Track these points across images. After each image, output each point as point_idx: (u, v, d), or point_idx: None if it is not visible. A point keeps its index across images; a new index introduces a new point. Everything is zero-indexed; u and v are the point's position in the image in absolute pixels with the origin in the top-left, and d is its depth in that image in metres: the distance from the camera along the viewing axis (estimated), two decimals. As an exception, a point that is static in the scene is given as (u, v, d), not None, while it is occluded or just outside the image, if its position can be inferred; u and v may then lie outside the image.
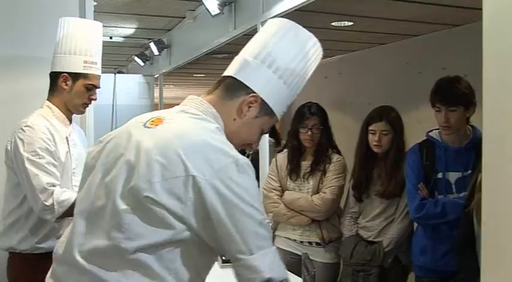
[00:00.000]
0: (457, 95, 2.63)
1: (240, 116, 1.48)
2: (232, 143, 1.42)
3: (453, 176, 2.70)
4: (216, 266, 1.53)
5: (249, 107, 1.47)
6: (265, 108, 1.49)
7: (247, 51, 1.51)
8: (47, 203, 2.24)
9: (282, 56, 1.48)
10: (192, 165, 1.28)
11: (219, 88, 1.51)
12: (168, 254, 1.32)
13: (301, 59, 1.50)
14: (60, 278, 1.39)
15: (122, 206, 1.30)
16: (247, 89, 1.47)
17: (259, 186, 4.26)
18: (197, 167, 1.28)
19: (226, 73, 1.53)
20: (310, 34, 1.54)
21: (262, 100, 1.47)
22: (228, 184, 1.29)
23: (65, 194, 2.27)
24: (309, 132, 3.19)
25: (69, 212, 2.25)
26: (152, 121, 1.42)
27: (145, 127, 1.41)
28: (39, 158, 2.28)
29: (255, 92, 1.47)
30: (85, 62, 2.45)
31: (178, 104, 1.54)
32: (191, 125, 1.41)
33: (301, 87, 1.55)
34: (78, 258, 1.34)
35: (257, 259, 1.30)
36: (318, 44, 1.54)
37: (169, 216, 1.28)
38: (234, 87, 1.48)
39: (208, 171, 1.28)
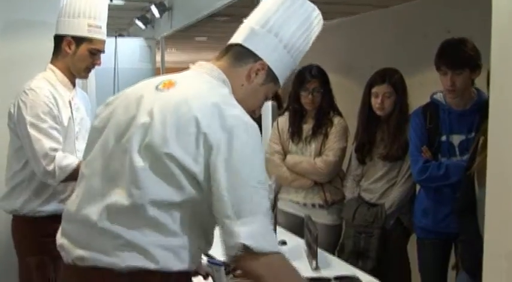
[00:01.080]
0: (463, 57, 2.60)
1: (248, 82, 1.53)
2: None
3: (457, 139, 2.70)
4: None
5: (256, 73, 1.52)
6: (270, 75, 1.55)
7: (254, 20, 1.55)
8: (48, 168, 2.24)
9: (288, 26, 1.53)
10: (204, 123, 1.32)
11: (227, 55, 1.55)
12: (180, 212, 1.35)
13: (305, 29, 1.56)
14: (72, 235, 1.42)
15: (139, 162, 1.33)
16: (254, 57, 1.53)
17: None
18: (209, 126, 1.32)
19: (233, 41, 1.57)
20: (314, 6, 1.59)
21: (269, 67, 1.53)
22: (235, 146, 1.32)
23: (67, 159, 2.27)
24: (310, 95, 3.17)
25: (71, 176, 2.25)
26: (164, 84, 1.45)
27: (157, 90, 1.44)
28: (42, 122, 2.27)
29: (262, 60, 1.52)
30: (89, 25, 2.41)
31: (180, 68, 1.55)
32: (204, 89, 1.44)
33: (301, 57, 1.61)
34: (93, 216, 1.36)
35: (239, 225, 1.29)
36: (320, 16, 1.60)
37: (183, 174, 1.32)
38: (242, 54, 1.53)
39: (219, 131, 1.32)
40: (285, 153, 3.30)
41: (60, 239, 1.45)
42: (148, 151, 1.33)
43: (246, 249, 1.28)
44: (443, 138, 2.73)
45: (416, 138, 2.78)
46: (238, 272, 2.11)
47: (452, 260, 2.79)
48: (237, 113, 1.38)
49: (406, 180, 2.97)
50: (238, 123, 1.35)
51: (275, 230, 2.50)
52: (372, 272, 2.49)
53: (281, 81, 1.58)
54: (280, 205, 3.31)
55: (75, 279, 1.38)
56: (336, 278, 2.23)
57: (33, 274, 2.35)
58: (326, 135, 3.20)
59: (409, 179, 2.95)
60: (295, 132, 3.26)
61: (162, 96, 1.40)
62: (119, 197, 1.34)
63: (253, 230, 1.30)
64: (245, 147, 1.33)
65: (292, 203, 3.28)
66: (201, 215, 1.38)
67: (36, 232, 2.35)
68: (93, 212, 1.37)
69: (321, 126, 3.21)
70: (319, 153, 3.19)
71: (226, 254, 1.34)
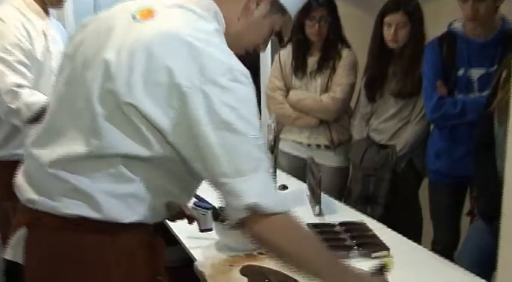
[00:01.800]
0: None
1: (246, 15, 1.42)
2: (236, 45, 1.39)
3: (476, 73, 2.67)
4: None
5: (258, 4, 1.41)
6: (277, 6, 1.43)
7: None
8: (12, 106, 2.21)
9: None
10: (178, 71, 1.23)
11: None
12: (144, 166, 1.31)
13: None
14: (28, 175, 1.41)
15: (99, 109, 1.27)
16: None
17: (259, 92, 4.26)
18: (185, 74, 1.23)
19: None
20: None
21: None
22: (219, 95, 1.23)
23: (35, 96, 2.24)
24: (316, 25, 3.12)
25: (39, 116, 2.23)
26: (142, 13, 1.35)
27: (133, 20, 1.34)
28: (8, 55, 2.23)
29: None
30: None
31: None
32: (186, 23, 1.32)
33: None
34: (44, 158, 1.34)
35: (244, 182, 1.24)
36: None
37: (149, 130, 1.26)
38: None
39: (197, 79, 1.23)
40: (287, 89, 3.28)
41: (18, 178, 1.45)
42: (110, 97, 1.26)
43: (254, 209, 1.23)
44: (461, 72, 2.70)
45: (431, 73, 2.75)
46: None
47: (467, 206, 2.81)
48: (221, 55, 1.28)
49: (421, 119, 2.96)
50: (221, 68, 1.25)
51: (275, 173, 2.51)
52: (380, 219, 2.51)
53: (293, 12, 1.47)
54: (282, 146, 3.33)
55: (26, 220, 1.39)
56: (341, 224, 2.25)
57: (11, 218, 2.37)
58: (333, 70, 3.17)
59: (423, 118, 2.94)
60: (299, 66, 3.23)
61: (136, 30, 1.31)
62: (74, 144, 1.30)
63: (259, 187, 1.25)
64: (233, 96, 1.24)
65: (295, 143, 3.29)
66: (175, 172, 1.34)
67: (11, 176, 2.35)
68: (46, 154, 1.34)
69: (328, 60, 3.17)
70: (325, 89, 3.18)
71: (231, 218, 1.29)
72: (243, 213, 1.24)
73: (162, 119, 1.24)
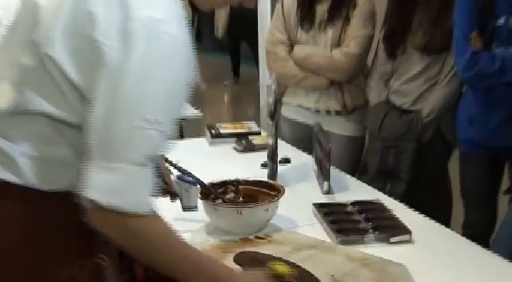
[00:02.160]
0: None
1: None
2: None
3: (519, 22, 2.65)
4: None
5: None
6: None
7: None
8: None
9: None
10: (102, 22, 1.24)
11: None
12: (70, 130, 1.32)
13: None
14: None
15: (24, 61, 1.31)
16: None
17: (257, 47, 4.22)
18: (107, 29, 1.24)
19: None
20: None
21: None
22: (130, 62, 1.23)
23: None
24: (326, -35, 3.10)
25: None
26: None
27: None
28: None
29: None
30: None
31: None
32: None
33: None
34: None
35: (98, 168, 1.25)
36: None
37: (70, 88, 1.28)
38: None
39: (115, 39, 1.23)
40: (291, 43, 3.26)
41: None
42: (34, 48, 1.30)
43: (93, 203, 1.25)
44: (501, 21, 2.64)
45: (464, 22, 2.70)
46: (228, 196, 2.11)
47: (506, 183, 2.82)
48: (153, 15, 1.27)
49: (451, 78, 2.94)
50: (144, 30, 1.24)
51: (276, 143, 2.48)
52: (402, 198, 2.51)
53: None
54: (284, 111, 3.38)
55: None
56: (354, 203, 2.24)
57: None
58: (346, 20, 3.14)
59: (454, 77, 2.92)
60: (306, 15, 3.20)
61: None
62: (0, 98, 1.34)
63: (115, 180, 1.25)
64: (144, 66, 1.24)
65: (300, 108, 3.30)
66: None
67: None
68: None
69: (340, 8, 3.14)
70: (337, 44, 3.15)
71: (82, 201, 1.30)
72: (86, 203, 1.25)
73: (78, 76, 1.26)
